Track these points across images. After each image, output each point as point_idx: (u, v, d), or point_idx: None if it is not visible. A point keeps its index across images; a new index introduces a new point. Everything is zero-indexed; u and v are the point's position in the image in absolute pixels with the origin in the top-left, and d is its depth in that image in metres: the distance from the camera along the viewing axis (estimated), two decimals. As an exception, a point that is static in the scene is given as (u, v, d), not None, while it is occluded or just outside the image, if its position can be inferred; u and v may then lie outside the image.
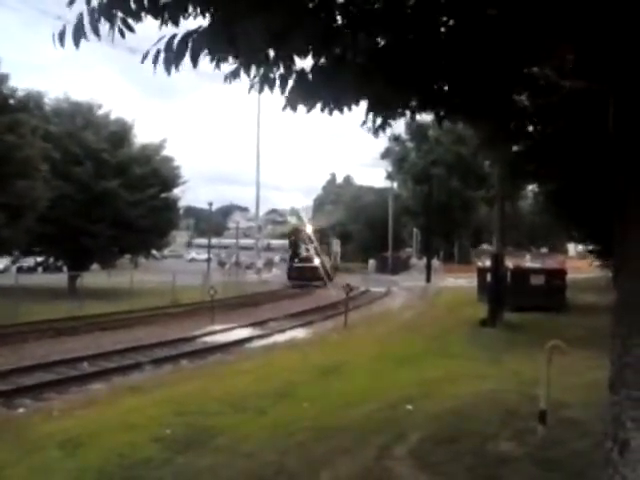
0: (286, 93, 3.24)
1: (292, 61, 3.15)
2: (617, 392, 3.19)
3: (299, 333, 17.24)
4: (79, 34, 2.75)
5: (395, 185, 58.30)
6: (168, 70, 2.90)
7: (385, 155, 56.16)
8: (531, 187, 25.87)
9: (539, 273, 19.86)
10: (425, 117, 5.26)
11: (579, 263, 37.32)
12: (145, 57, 2.90)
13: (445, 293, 28.56)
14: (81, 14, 2.73)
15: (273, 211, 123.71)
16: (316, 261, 37.43)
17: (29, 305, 18.78)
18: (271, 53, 3.08)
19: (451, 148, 48.36)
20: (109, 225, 27.36)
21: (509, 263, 18.63)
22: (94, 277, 28.80)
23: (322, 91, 3.34)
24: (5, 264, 35.81)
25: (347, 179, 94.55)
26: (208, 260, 45.67)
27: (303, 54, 3.11)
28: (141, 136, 33.44)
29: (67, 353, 13.35)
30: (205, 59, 3.03)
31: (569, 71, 4.34)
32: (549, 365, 5.87)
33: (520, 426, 6.29)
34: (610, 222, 3.42)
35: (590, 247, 27.43)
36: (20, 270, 31.85)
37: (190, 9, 2.86)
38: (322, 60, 3.17)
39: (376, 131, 4.08)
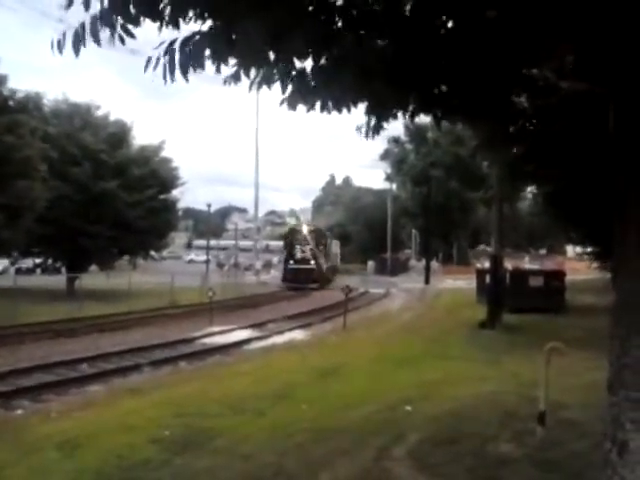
0: (286, 94, 3.25)
1: (292, 62, 3.15)
2: (616, 393, 3.19)
3: (298, 335, 17.23)
4: (79, 42, 2.74)
5: (394, 186, 58.31)
6: (172, 78, 2.90)
7: (384, 157, 56.15)
8: (530, 188, 25.87)
9: (538, 274, 19.88)
10: (424, 119, 5.27)
11: (578, 264, 37.30)
12: (147, 65, 2.90)
13: (444, 294, 28.57)
14: (83, 23, 2.71)
15: (272, 212, 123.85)
16: (312, 263, 36.25)
17: (28, 306, 18.74)
18: (271, 55, 3.08)
19: (450, 150, 48.35)
20: (107, 226, 27.32)
21: (508, 264, 18.64)
22: (93, 278, 28.77)
23: (322, 92, 3.35)
24: (4, 265, 35.78)
25: (346, 180, 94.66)
26: (207, 261, 45.65)
27: (303, 56, 3.12)
28: (140, 137, 33.52)
29: (66, 354, 13.33)
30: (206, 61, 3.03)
31: (569, 72, 4.35)
32: (548, 366, 5.88)
33: (519, 427, 6.29)
34: (609, 224, 3.43)
35: (588, 249, 27.45)
36: (19, 271, 31.79)
37: (190, 13, 2.86)
38: (322, 61, 3.18)
39: (371, 134, 4.06)
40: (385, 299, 29.51)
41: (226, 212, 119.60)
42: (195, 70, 2.95)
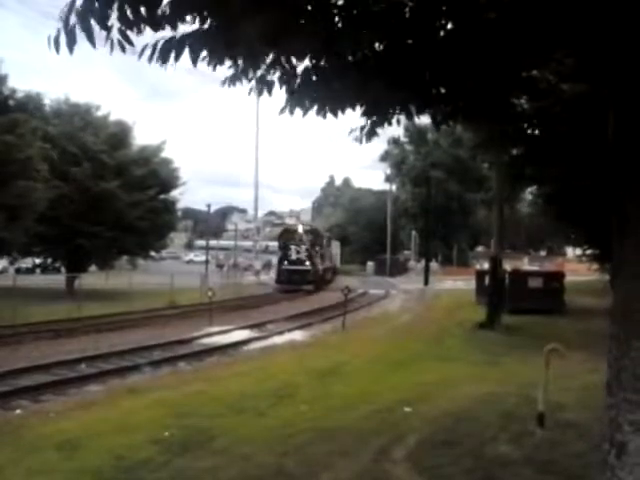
0: (284, 96, 3.26)
1: (290, 64, 3.15)
2: (614, 395, 3.20)
3: (297, 335, 17.21)
4: (72, 39, 2.72)
5: (394, 187, 58.31)
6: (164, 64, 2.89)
7: (384, 158, 56.13)
8: (530, 190, 25.86)
9: (537, 276, 19.91)
10: (424, 120, 5.27)
11: (577, 266, 37.24)
12: (141, 54, 2.89)
13: (443, 295, 28.56)
14: (67, 17, 2.63)
15: (272, 213, 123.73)
16: (307, 264, 34.67)
17: (27, 306, 18.74)
18: (269, 56, 3.09)
19: (449, 151, 48.37)
20: (107, 226, 27.35)
21: (507, 266, 18.66)
22: (92, 278, 28.75)
23: (321, 93, 3.35)
24: (3, 265, 35.80)
25: (346, 181, 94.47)
26: (206, 262, 45.62)
27: (302, 57, 3.12)
28: (140, 137, 33.54)
29: (65, 354, 13.31)
30: (204, 61, 3.03)
31: (568, 75, 4.36)
32: (547, 368, 5.89)
33: (518, 428, 6.29)
34: (608, 226, 3.43)
35: (587, 251, 27.42)
36: (18, 271, 31.81)
37: (188, 18, 2.86)
38: (321, 63, 3.18)
39: (364, 139, 4.03)
40: (384, 300, 29.49)
41: (226, 212, 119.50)
42: (194, 65, 2.94)
